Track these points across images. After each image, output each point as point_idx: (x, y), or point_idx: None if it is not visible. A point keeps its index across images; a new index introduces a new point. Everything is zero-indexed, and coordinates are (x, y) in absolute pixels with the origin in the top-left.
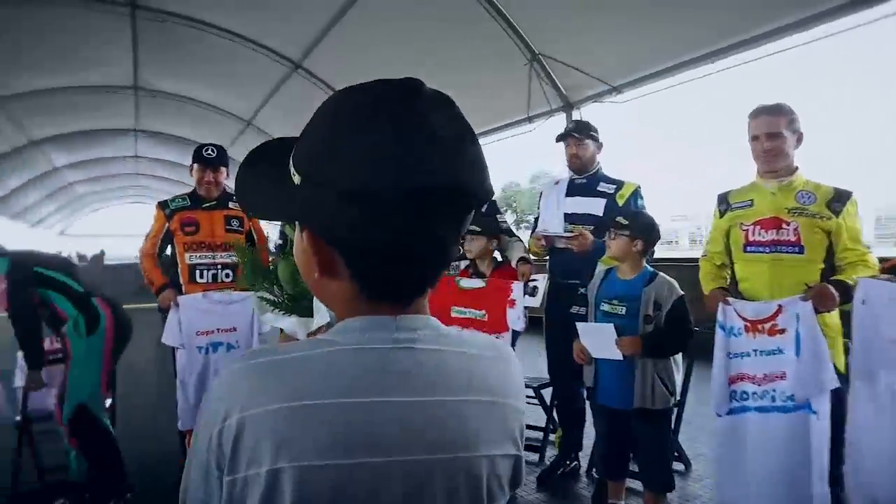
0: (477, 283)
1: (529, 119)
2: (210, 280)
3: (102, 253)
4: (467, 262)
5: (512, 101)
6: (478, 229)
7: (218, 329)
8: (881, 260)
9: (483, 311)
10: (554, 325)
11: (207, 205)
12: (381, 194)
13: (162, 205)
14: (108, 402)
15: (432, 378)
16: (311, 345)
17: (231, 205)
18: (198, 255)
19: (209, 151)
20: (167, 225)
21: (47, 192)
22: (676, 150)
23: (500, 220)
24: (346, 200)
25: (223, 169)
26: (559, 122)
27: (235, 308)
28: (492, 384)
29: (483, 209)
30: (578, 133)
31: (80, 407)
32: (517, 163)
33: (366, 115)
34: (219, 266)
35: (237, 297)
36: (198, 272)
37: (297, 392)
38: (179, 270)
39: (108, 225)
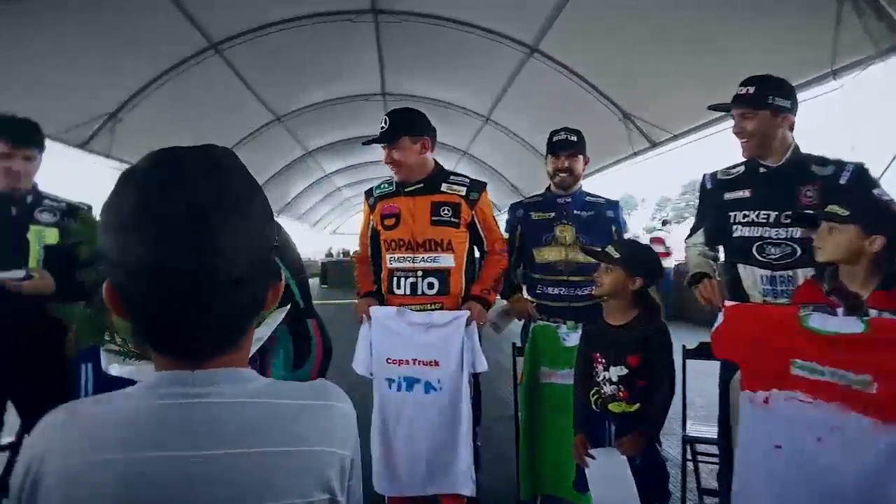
0: (850, 324)
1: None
2: (408, 291)
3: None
4: (812, 273)
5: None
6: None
7: (415, 360)
8: None
9: (867, 378)
10: None
11: (410, 189)
12: (124, 267)
13: (367, 193)
14: None
15: (226, 432)
16: (117, 398)
17: (444, 186)
18: (397, 256)
19: (382, 124)
20: (371, 218)
21: (322, 195)
22: None
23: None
24: (108, 265)
25: (405, 139)
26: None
27: (438, 335)
28: (300, 432)
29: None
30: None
31: None
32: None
33: (119, 187)
34: (419, 273)
35: (440, 320)
36: (395, 280)
37: (92, 444)
38: (383, 278)
39: None
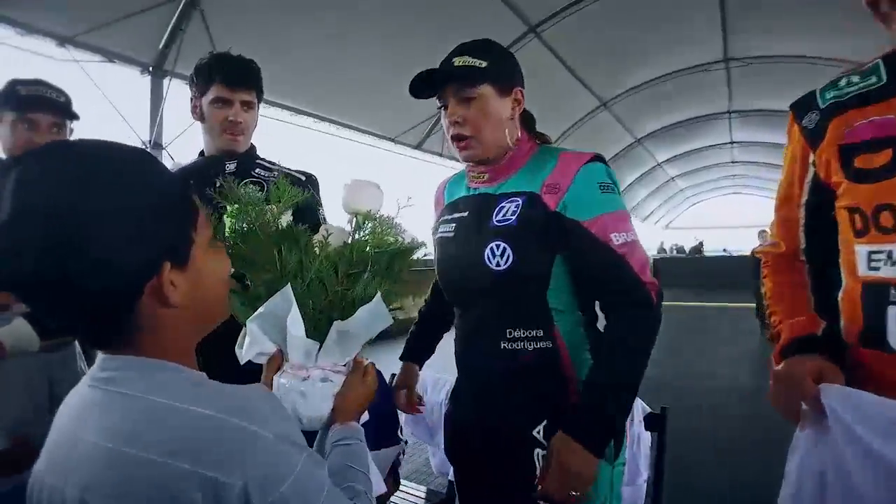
0: None
1: None
2: None
3: (701, 244)
4: None
5: None
6: None
7: None
8: None
9: None
10: None
11: None
12: None
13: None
14: None
15: (100, 421)
16: None
17: None
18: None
19: None
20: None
21: (652, 187)
22: None
23: None
24: None
25: None
26: None
27: None
28: (172, 443)
29: None
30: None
31: None
32: None
33: None
34: None
35: None
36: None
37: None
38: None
39: (706, 218)
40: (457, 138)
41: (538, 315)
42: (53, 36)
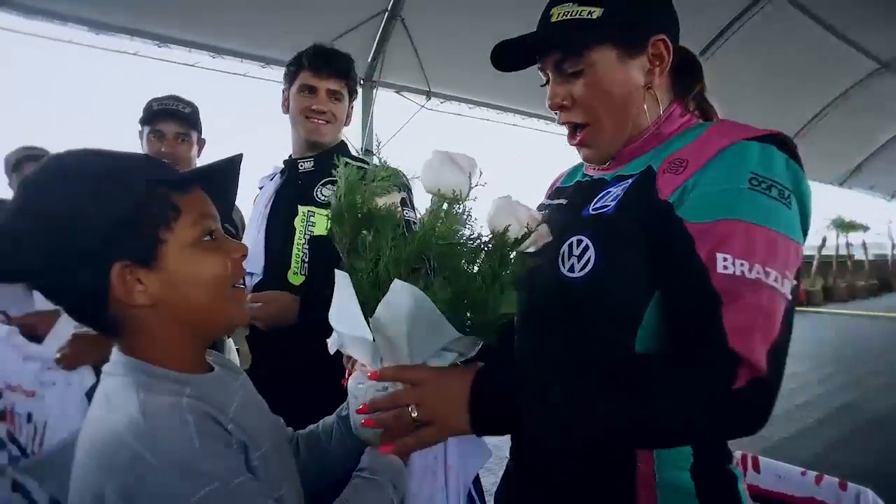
0: None
1: None
2: None
3: None
4: None
5: None
6: None
7: None
8: None
9: None
10: None
11: None
12: None
13: None
14: None
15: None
16: None
17: None
18: None
19: None
20: None
21: None
22: None
23: None
24: None
25: None
26: None
27: None
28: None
29: None
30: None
31: None
32: None
33: None
34: None
35: None
36: None
37: None
38: None
39: None
40: (568, 127)
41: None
42: (281, 63)
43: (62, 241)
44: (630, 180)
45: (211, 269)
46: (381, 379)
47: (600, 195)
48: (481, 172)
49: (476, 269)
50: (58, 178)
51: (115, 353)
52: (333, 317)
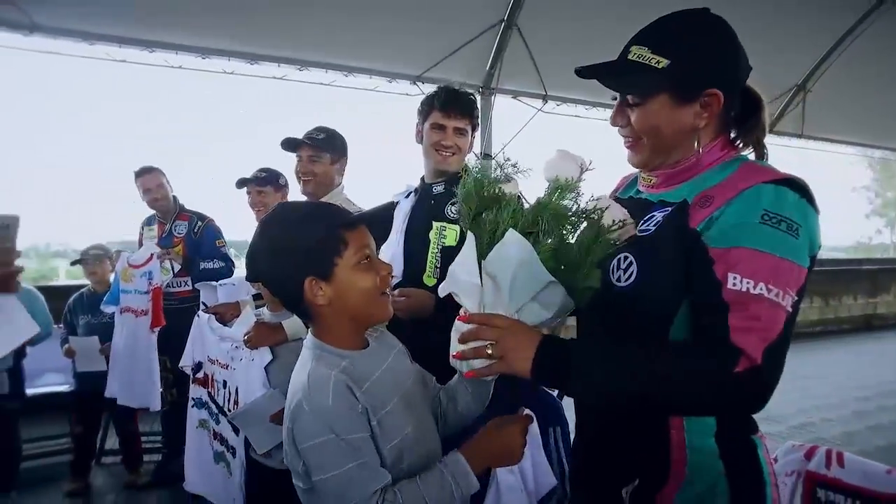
0: None
1: None
2: None
3: None
4: None
5: None
6: None
7: None
8: None
9: None
10: None
11: None
12: None
13: None
14: None
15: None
16: None
17: None
18: None
19: None
20: None
21: None
22: None
23: None
24: None
25: None
26: None
27: None
28: (290, 391)
29: None
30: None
31: None
32: None
33: None
34: None
35: None
36: None
37: None
38: None
39: None
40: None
41: None
42: (407, 77)
43: (278, 259)
44: (669, 209)
45: (365, 283)
46: (470, 321)
47: (645, 218)
48: (590, 168)
49: (574, 239)
50: (277, 220)
51: (309, 334)
52: (456, 264)
